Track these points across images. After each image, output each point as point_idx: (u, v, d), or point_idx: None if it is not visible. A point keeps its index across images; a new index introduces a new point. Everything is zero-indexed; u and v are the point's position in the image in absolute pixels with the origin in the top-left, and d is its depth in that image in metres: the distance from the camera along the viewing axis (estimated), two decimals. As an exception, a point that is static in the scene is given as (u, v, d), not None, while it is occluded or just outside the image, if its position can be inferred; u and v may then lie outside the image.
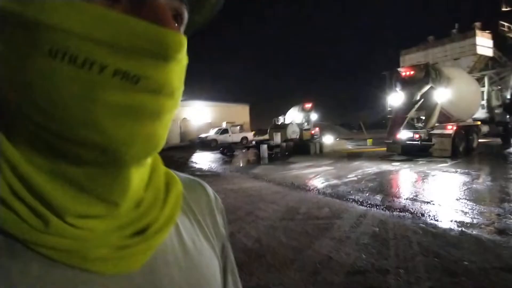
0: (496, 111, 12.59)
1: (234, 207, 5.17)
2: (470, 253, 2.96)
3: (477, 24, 24.83)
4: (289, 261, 2.98)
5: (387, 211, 4.51)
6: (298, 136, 17.26)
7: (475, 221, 3.87)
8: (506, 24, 24.58)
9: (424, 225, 3.81)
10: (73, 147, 0.25)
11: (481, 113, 12.40)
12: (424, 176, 7.10)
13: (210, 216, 0.42)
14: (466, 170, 7.45)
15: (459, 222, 3.85)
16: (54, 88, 0.23)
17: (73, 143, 0.25)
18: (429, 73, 9.56)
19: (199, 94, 35.37)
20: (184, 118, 28.89)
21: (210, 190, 0.46)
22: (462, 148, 9.93)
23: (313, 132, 16.75)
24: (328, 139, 15.60)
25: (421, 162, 9.21)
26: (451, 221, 3.91)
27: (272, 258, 3.06)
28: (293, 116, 19.81)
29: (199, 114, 30.04)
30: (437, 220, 3.97)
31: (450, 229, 3.63)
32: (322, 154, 13.58)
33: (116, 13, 0.24)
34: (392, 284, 2.48)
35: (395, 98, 10.48)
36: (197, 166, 11.89)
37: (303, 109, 19.54)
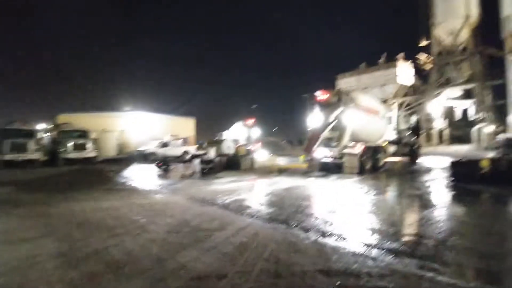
0: (404, 133, 14.25)
1: (129, 221, 5.25)
2: (307, 258, 3.43)
3: (401, 55, 27.99)
4: (144, 270, 3.18)
5: (267, 223, 4.95)
6: (233, 152, 17.74)
7: (335, 230, 4.43)
8: (422, 57, 28.06)
9: (289, 235, 4.27)
10: None
11: (392, 135, 13.94)
12: (323, 191, 7.83)
13: None
14: (362, 185, 8.38)
15: (319, 231, 4.39)
16: None
17: None
18: (340, 98, 10.66)
19: (141, 104, 34.50)
20: (122, 130, 27.82)
21: None
22: (369, 166, 11.08)
23: (249, 148, 17.32)
24: (261, 155, 16.24)
25: (332, 178, 10.09)
26: (314, 230, 4.43)
27: (130, 269, 3.24)
28: (236, 132, 20.34)
29: (140, 126, 29.14)
30: (304, 230, 4.47)
31: (307, 238, 4.13)
32: (252, 169, 14.08)
33: None
34: (220, 286, 2.81)
35: (313, 119, 11.42)
36: (121, 180, 11.59)
37: (246, 125, 20.12)
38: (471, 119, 26.35)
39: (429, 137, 26.43)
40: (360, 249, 3.69)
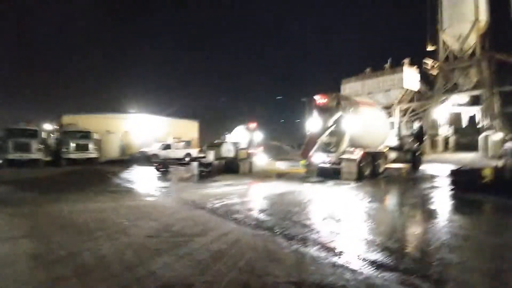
0: (406, 140, 13.96)
1: (111, 224, 5.16)
2: (283, 268, 3.28)
3: (406, 60, 27.59)
4: (111, 277, 3.06)
5: (251, 229, 4.81)
6: (233, 155, 17.62)
7: (319, 239, 4.27)
8: (429, 62, 27.64)
9: (271, 243, 4.12)
10: None
11: (393, 141, 13.67)
12: (317, 197, 7.65)
13: None
14: (357, 192, 8.17)
15: (302, 239, 4.23)
16: None
17: None
18: (339, 102, 10.48)
19: (145, 106, 34.66)
20: (126, 131, 27.95)
21: None
22: (368, 172, 10.85)
23: (250, 151, 17.17)
24: (261, 159, 16.08)
25: (328, 184, 9.89)
26: (297, 239, 4.27)
27: (98, 274, 3.13)
28: (238, 135, 20.24)
29: (144, 128, 29.25)
30: (287, 238, 4.31)
31: (288, 246, 3.98)
32: (250, 173, 13.94)
33: None
34: (184, 297, 2.67)
35: (312, 123, 11.25)
36: (118, 181, 11.56)
37: (248, 129, 19.97)
38: (478, 126, 25.81)
39: (434, 144, 25.94)
40: (340, 260, 3.52)
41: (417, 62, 28.30)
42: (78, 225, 5.16)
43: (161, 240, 4.23)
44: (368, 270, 3.23)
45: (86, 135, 20.71)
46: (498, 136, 21.70)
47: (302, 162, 11.96)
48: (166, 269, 3.23)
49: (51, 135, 23.27)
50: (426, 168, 14.92)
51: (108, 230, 4.78)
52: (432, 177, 11.80)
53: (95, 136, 21.28)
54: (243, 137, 19.16)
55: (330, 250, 3.86)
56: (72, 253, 3.79)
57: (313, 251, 3.82)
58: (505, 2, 23.38)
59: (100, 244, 4.10)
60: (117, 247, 3.96)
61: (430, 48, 28.10)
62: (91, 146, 19.93)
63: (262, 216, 5.65)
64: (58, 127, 25.73)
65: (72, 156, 19.08)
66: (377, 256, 3.63)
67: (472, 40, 23.97)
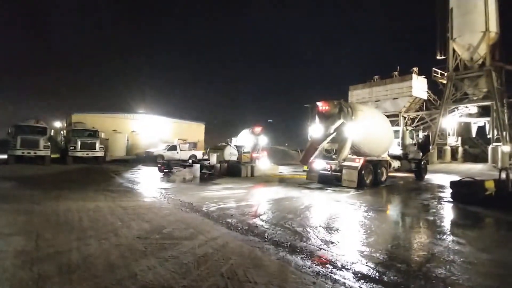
0: (410, 148, 13.80)
1: (104, 224, 5.22)
2: (265, 275, 3.27)
3: (415, 69, 27.34)
4: (93, 277, 3.10)
5: (241, 234, 4.81)
6: (236, 158, 17.66)
7: (307, 247, 4.24)
8: (439, 71, 27.33)
9: (258, 249, 4.12)
10: None
11: (397, 150, 13.52)
12: (314, 204, 7.60)
13: None
14: (355, 201, 8.09)
15: (290, 246, 4.21)
16: None
17: None
18: (341, 110, 10.43)
19: (153, 108, 35.05)
20: (133, 131, 28.27)
21: None
22: (369, 180, 10.74)
23: (254, 155, 17.17)
24: (264, 163, 16.07)
25: (328, 191, 9.82)
26: (285, 246, 4.26)
27: (80, 274, 3.16)
28: (244, 139, 20.28)
29: (150, 128, 29.55)
30: (275, 245, 4.30)
31: (275, 253, 3.96)
32: (252, 177, 13.94)
33: None
34: (160, 300, 2.69)
35: (314, 129, 11.21)
36: (120, 181, 11.69)
37: (253, 132, 19.97)
38: (487, 137, 25.35)
39: (442, 154, 25.55)
40: (324, 269, 3.49)
41: (426, 70, 28.05)
42: (71, 223, 5.23)
43: (149, 242, 4.26)
44: (350, 282, 3.20)
45: (93, 134, 21.03)
46: (507, 148, 21.28)
47: (305, 167, 11.90)
48: (148, 272, 3.25)
49: (61, 132, 23.72)
50: (431, 178, 14.71)
51: (99, 230, 4.84)
52: (436, 187, 11.62)
53: (102, 135, 21.57)
54: (248, 140, 19.20)
55: (316, 259, 3.83)
56: (59, 251, 3.85)
57: (299, 259, 3.79)
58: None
59: (88, 243, 4.15)
60: (104, 248, 4.00)
61: (440, 57, 27.80)
62: (98, 145, 20.19)
63: (255, 222, 5.65)
64: (66, 125, 26.18)
65: (79, 154, 19.36)
66: (363, 267, 3.59)
67: (482, 50, 23.63)
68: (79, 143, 19.42)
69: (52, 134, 21.87)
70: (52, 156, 19.50)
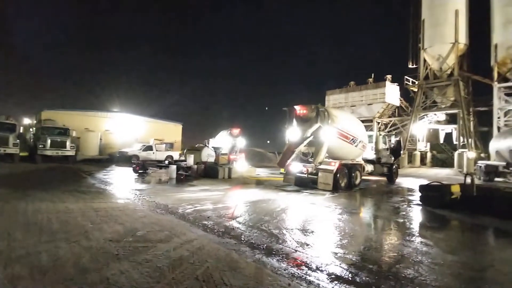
0: (383, 153, 14.29)
1: (75, 226, 5.03)
2: (240, 278, 3.27)
3: (388, 76, 28.37)
4: (63, 280, 2.98)
5: (218, 237, 4.78)
6: (214, 160, 17.53)
7: (283, 249, 4.29)
8: (411, 79, 28.53)
9: (234, 252, 4.11)
10: None
11: (370, 154, 13.96)
12: (290, 206, 7.69)
13: None
14: (330, 203, 8.27)
15: (266, 249, 4.24)
16: None
17: None
18: (318, 114, 10.65)
19: (128, 106, 34.15)
20: (107, 130, 27.39)
21: None
22: (344, 183, 11.02)
23: (232, 157, 17.12)
24: (241, 165, 16.07)
25: (304, 193, 9.98)
26: (262, 248, 4.28)
27: (50, 277, 3.03)
28: (221, 140, 20.14)
29: (125, 127, 28.73)
30: (251, 247, 4.31)
31: (251, 255, 3.98)
32: (230, 179, 13.90)
33: None
34: (133, 305, 2.63)
35: (291, 132, 11.37)
36: (92, 181, 11.29)
37: (231, 134, 19.88)
38: (454, 143, 26.75)
39: (412, 159, 26.66)
40: (299, 271, 3.55)
41: (399, 79, 29.20)
42: (41, 225, 5.01)
43: (122, 245, 4.14)
44: (324, 283, 3.27)
45: (64, 132, 20.18)
46: (472, 154, 22.53)
47: (282, 170, 12.02)
48: (120, 276, 3.16)
49: (30, 130, 22.55)
50: (402, 181, 15.31)
51: (70, 232, 4.66)
52: (406, 190, 12.10)
53: (74, 133, 20.75)
54: (226, 142, 19.11)
55: (291, 261, 3.88)
56: (29, 253, 3.69)
57: (274, 261, 3.83)
58: (484, 28, 24.58)
59: (58, 246, 3.98)
60: (75, 250, 3.86)
61: (412, 66, 29.05)
62: (68, 143, 19.39)
63: (231, 224, 5.64)
64: (36, 122, 24.93)
65: (48, 153, 18.52)
66: (336, 268, 3.68)
67: (451, 61, 24.91)
68: (48, 141, 18.58)
69: (21, 131, 20.76)
70: (21, 154, 18.56)
